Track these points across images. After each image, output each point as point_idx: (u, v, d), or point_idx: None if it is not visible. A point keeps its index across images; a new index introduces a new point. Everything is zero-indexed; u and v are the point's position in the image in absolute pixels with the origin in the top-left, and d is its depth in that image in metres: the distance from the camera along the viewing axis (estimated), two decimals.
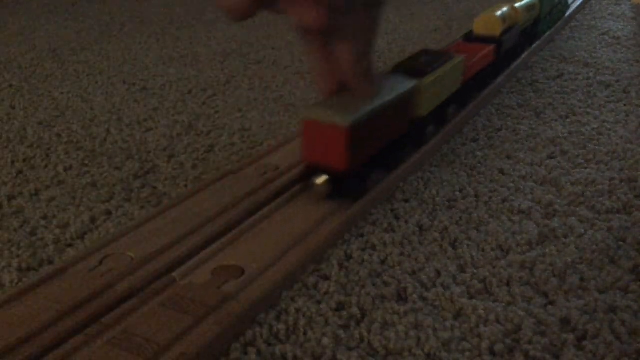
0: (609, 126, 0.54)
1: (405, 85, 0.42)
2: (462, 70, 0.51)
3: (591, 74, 0.68)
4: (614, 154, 0.49)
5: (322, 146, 0.37)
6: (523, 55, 0.70)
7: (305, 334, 0.30)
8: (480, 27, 0.59)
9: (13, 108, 0.62)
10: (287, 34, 0.90)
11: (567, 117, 0.56)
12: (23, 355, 0.27)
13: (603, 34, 0.86)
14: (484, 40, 0.58)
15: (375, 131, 0.39)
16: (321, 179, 0.38)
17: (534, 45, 0.74)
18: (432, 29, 0.92)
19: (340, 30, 0.36)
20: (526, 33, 0.70)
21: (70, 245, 0.38)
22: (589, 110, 0.58)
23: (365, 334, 0.30)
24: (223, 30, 0.94)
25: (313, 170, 0.39)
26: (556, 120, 0.56)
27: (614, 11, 1.01)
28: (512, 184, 0.44)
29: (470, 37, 0.59)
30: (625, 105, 0.60)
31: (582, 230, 0.38)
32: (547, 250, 0.36)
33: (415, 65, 0.46)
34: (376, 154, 0.41)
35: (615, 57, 0.75)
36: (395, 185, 0.43)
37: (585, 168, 0.47)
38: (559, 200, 0.42)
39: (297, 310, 0.32)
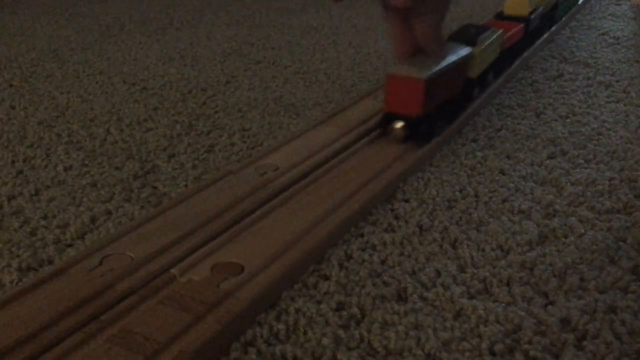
0: (609, 126, 0.54)
1: (463, 50, 0.52)
2: (500, 42, 0.59)
3: (591, 74, 0.68)
4: (614, 154, 0.49)
5: (401, 96, 0.47)
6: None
7: (305, 334, 0.30)
8: (510, 8, 0.68)
9: (13, 108, 0.62)
10: (287, 34, 0.90)
11: (567, 117, 0.56)
12: (23, 355, 0.27)
13: (603, 34, 0.86)
14: (513, 19, 0.67)
15: (442, 86, 0.49)
16: (399, 124, 0.48)
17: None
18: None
19: (420, 8, 0.45)
20: (546, 17, 0.79)
21: (70, 245, 0.38)
22: (589, 110, 0.58)
23: (365, 334, 0.30)
24: (223, 30, 0.94)
25: (391, 118, 0.48)
26: (556, 120, 0.56)
27: (614, 11, 1.01)
28: (512, 184, 0.44)
29: (501, 17, 0.68)
30: (625, 105, 0.60)
31: (582, 230, 0.38)
32: (547, 250, 0.36)
33: (467, 36, 0.54)
34: (440, 106, 0.50)
35: (615, 57, 0.75)
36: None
37: (585, 168, 0.47)
38: (559, 200, 0.42)
39: (297, 310, 0.32)
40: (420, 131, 0.47)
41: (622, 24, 0.92)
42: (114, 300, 0.30)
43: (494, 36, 0.57)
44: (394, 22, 0.48)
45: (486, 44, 0.55)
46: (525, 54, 0.70)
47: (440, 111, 0.50)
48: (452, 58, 0.49)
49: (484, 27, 0.57)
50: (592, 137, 0.52)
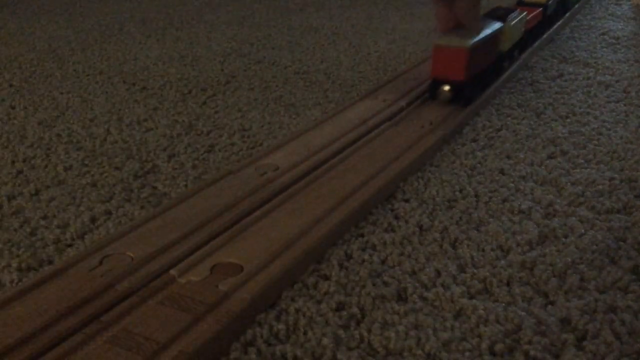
0: (609, 126, 0.54)
1: (496, 25, 0.60)
2: (524, 22, 0.68)
3: (591, 74, 0.68)
4: (614, 154, 0.49)
5: (447, 63, 0.54)
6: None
7: (305, 334, 0.30)
8: None
9: (13, 108, 0.62)
10: (287, 34, 0.90)
11: (567, 117, 0.56)
12: (23, 355, 0.27)
13: (603, 34, 0.86)
14: (533, 5, 0.76)
15: (481, 55, 0.57)
16: (446, 87, 0.56)
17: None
18: (432, 29, 0.92)
19: None
20: (560, 4, 0.88)
21: (70, 245, 0.38)
22: (589, 110, 0.58)
23: (365, 334, 0.30)
24: (223, 30, 0.94)
25: (438, 83, 0.56)
26: (556, 120, 0.56)
27: (614, 11, 1.01)
28: (512, 184, 0.44)
29: (521, 3, 0.77)
30: (625, 105, 0.60)
31: (582, 230, 0.38)
32: (547, 250, 0.36)
33: (498, 15, 0.62)
34: (477, 74, 0.57)
35: (615, 57, 0.75)
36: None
37: (585, 168, 0.47)
38: (559, 200, 0.42)
39: (297, 310, 0.32)
40: (463, 95, 0.55)
41: (622, 24, 0.92)
42: (114, 301, 0.30)
43: (520, 16, 0.66)
44: (441, 4, 0.57)
45: (514, 21, 0.63)
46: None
47: (477, 79, 0.57)
48: (487, 31, 0.57)
49: (511, 9, 0.66)
50: (592, 137, 0.52)
